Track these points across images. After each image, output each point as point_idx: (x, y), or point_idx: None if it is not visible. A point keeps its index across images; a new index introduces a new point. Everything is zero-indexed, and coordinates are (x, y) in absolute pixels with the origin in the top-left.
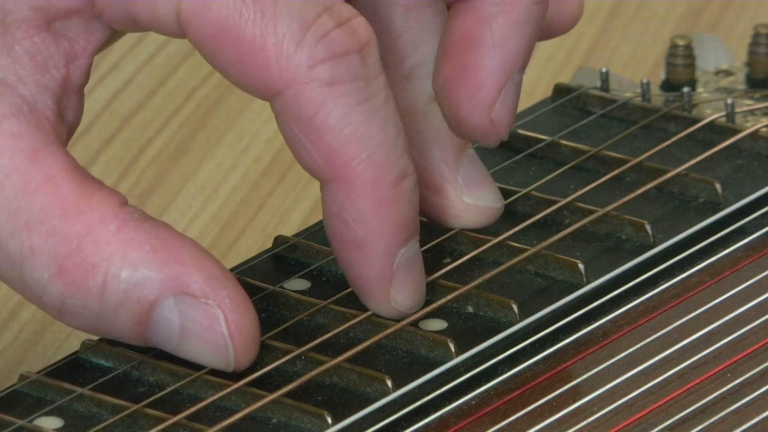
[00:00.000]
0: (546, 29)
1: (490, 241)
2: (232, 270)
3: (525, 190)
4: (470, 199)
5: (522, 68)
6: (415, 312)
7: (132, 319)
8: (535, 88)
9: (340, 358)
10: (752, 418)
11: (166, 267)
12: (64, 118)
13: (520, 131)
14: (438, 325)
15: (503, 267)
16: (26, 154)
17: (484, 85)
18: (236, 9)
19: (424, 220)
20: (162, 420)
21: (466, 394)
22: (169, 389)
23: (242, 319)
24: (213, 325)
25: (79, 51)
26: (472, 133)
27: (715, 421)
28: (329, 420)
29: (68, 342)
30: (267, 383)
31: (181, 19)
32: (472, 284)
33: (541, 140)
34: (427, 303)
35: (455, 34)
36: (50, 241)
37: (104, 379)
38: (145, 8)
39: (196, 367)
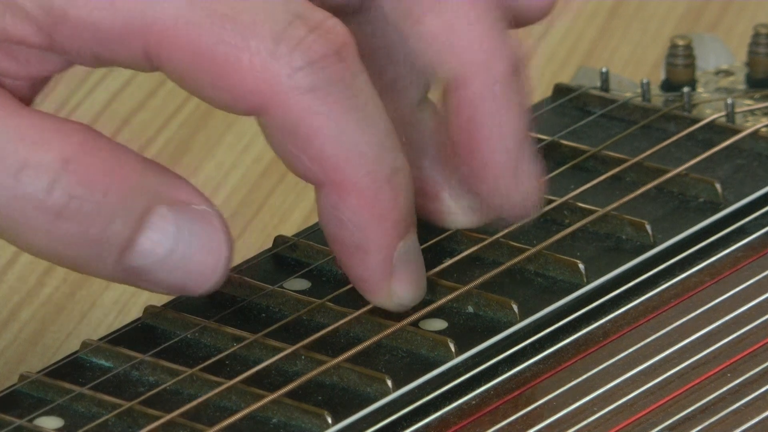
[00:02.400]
0: (517, 18)
1: (490, 240)
2: (232, 270)
3: None
4: (469, 203)
5: (526, 135)
6: (416, 312)
7: (126, 226)
8: (535, 88)
9: (340, 358)
10: (752, 418)
11: (160, 176)
12: None
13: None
14: (438, 325)
15: (503, 267)
16: None
17: (498, 172)
18: (204, 32)
19: (423, 219)
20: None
21: (466, 394)
22: (168, 389)
23: (229, 231)
24: (208, 232)
25: (22, 73)
26: (506, 211)
27: (715, 421)
28: (329, 420)
29: (68, 342)
30: (267, 383)
31: (152, 53)
32: (472, 284)
33: (541, 140)
34: (427, 303)
35: (454, 131)
36: (51, 148)
37: (104, 378)
38: (109, 48)
39: (196, 366)
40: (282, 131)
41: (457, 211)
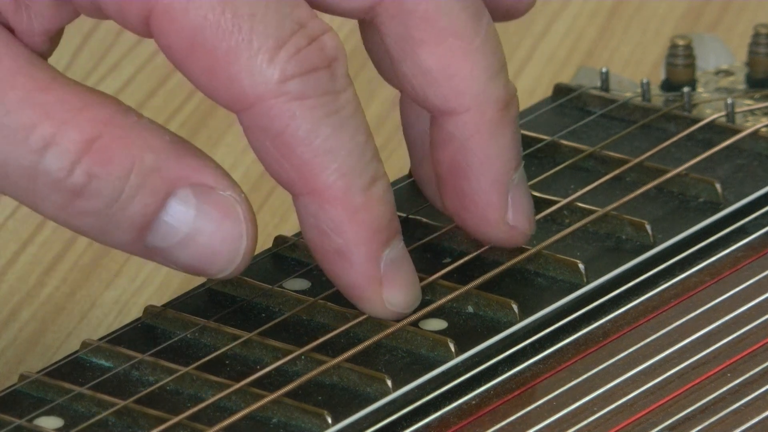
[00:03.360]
0: (501, 14)
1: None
2: None
3: None
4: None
5: (516, 167)
6: (416, 312)
7: (145, 206)
8: (535, 88)
9: (340, 358)
10: (752, 418)
11: (186, 157)
12: None
13: (521, 131)
14: (438, 325)
15: (503, 267)
16: (25, 59)
17: (489, 204)
18: (214, 20)
19: (423, 219)
20: (162, 420)
21: (466, 394)
22: (169, 389)
23: (254, 218)
24: (229, 218)
25: (36, 26)
26: (500, 243)
27: (715, 421)
28: (329, 420)
29: (68, 342)
30: (267, 383)
31: (152, 22)
32: (472, 284)
33: (541, 140)
34: (427, 303)
35: (444, 163)
36: (76, 127)
37: (104, 378)
38: (113, 5)
39: (196, 366)
40: (265, 134)
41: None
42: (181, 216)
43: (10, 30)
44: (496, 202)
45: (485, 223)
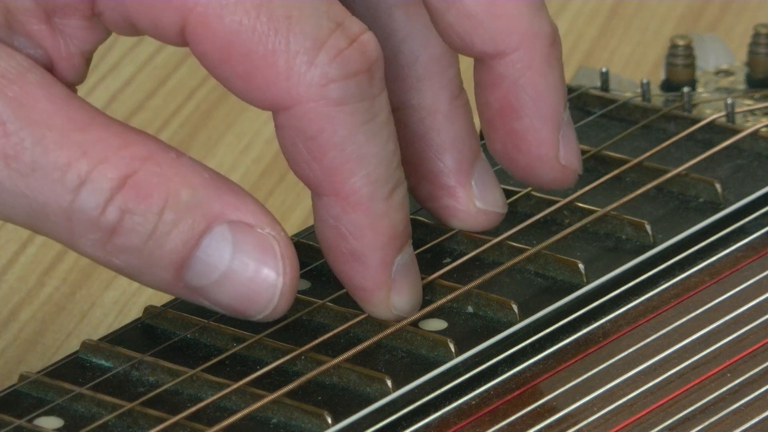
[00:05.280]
0: None
1: (490, 241)
2: None
3: (525, 190)
4: (482, 204)
5: (565, 105)
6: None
7: (181, 243)
8: None
9: (340, 358)
10: (752, 418)
11: (224, 194)
12: None
13: None
14: (438, 325)
15: (503, 267)
16: (63, 99)
17: (542, 142)
18: (249, 25)
19: (423, 219)
20: (162, 420)
21: (466, 394)
22: (169, 389)
23: (293, 255)
24: (266, 256)
25: (73, 49)
26: (551, 185)
27: (715, 421)
28: (329, 420)
29: (68, 342)
30: (267, 383)
31: (188, 31)
32: (472, 284)
33: None
34: (427, 303)
35: (494, 105)
36: (112, 165)
37: (104, 378)
38: (147, 15)
39: (196, 366)
40: (299, 135)
41: (468, 211)
42: (218, 253)
43: (49, 59)
44: (549, 140)
45: (539, 162)
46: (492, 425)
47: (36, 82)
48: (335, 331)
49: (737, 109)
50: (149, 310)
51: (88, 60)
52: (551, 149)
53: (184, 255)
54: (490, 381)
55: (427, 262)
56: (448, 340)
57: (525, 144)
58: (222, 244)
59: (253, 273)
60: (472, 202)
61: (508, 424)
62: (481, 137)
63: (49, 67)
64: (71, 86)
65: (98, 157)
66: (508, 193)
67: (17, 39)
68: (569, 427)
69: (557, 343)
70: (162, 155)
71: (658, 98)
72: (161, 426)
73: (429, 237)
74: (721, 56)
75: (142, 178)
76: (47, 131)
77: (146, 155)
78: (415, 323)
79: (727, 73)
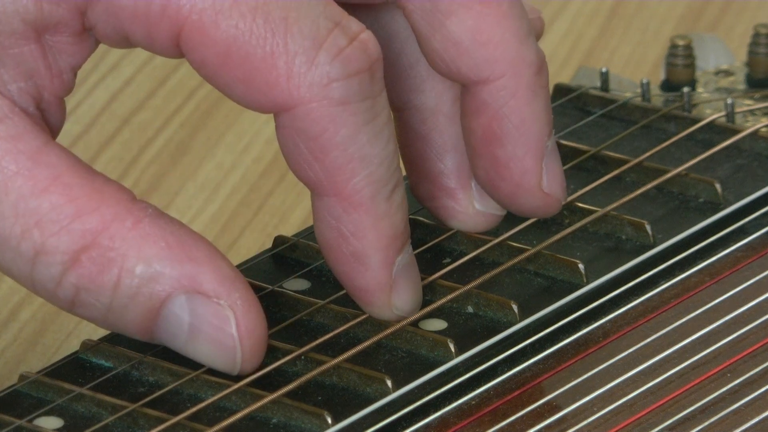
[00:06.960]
0: None
1: (490, 241)
2: None
3: None
4: (481, 206)
5: (550, 133)
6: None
7: (142, 314)
8: None
9: (340, 358)
10: (752, 418)
11: (180, 264)
12: (48, 123)
13: None
14: (438, 325)
15: (503, 267)
16: (28, 156)
17: (525, 171)
18: (246, 28)
19: (423, 219)
20: (162, 420)
21: (466, 394)
22: (169, 389)
23: (252, 322)
24: (223, 326)
25: (63, 65)
26: (534, 212)
27: (715, 421)
28: (329, 420)
29: (68, 342)
30: (267, 383)
31: (183, 40)
32: (472, 284)
33: None
34: (427, 303)
35: (477, 132)
36: (64, 238)
37: (104, 378)
38: (141, 27)
39: (196, 366)
40: (300, 135)
41: (467, 212)
42: (178, 321)
43: (36, 82)
44: (532, 168)
45: (521, 191)
46: (492, 425)
47: (6, 136)
48: (335, 331)
49: (737, 109)
50: None
51: (76, 73)
52: (534, 178)
53: (146, 324)
54: (490, 381)
55: (427, 262)
56: (448, 340)
57: (508, 172)
58: (180, 312)
59: (212, 340)
60: (471, 203)
61: (508, 424)
62: None
63: (36, 94)
64: (59, 100)
65: (50, 229)
66: None
67: (3, 62)
68: (569, 427)
69: (557, 343)
70: (116, 226)
71: (658, 98)
72: (161, 426)
73: (429, 237)
74: (721, 56)
75: (94, 254)
76: (4, 196)
77: (100, 228)
78: (415, 323)
79: (727, 73)
